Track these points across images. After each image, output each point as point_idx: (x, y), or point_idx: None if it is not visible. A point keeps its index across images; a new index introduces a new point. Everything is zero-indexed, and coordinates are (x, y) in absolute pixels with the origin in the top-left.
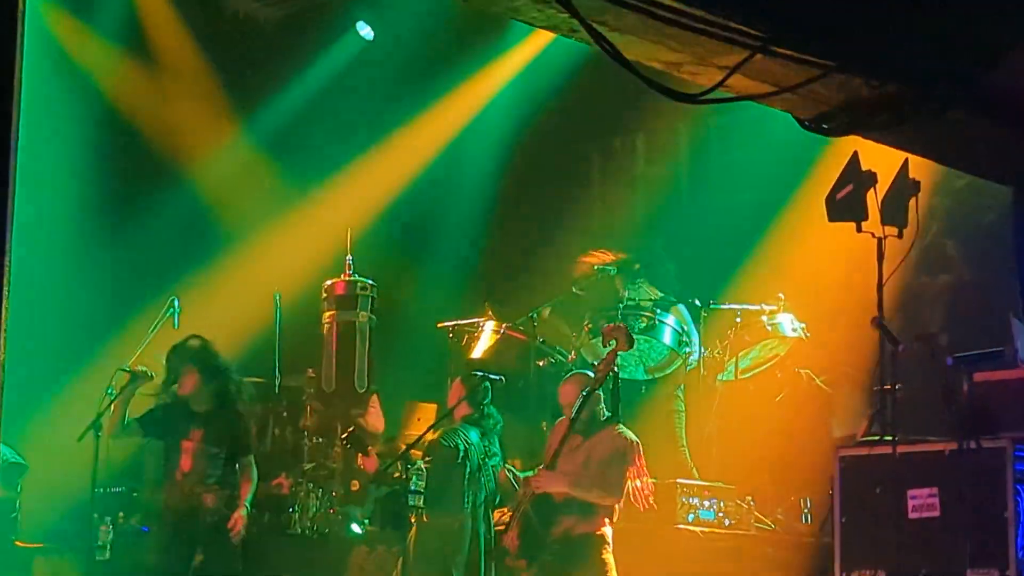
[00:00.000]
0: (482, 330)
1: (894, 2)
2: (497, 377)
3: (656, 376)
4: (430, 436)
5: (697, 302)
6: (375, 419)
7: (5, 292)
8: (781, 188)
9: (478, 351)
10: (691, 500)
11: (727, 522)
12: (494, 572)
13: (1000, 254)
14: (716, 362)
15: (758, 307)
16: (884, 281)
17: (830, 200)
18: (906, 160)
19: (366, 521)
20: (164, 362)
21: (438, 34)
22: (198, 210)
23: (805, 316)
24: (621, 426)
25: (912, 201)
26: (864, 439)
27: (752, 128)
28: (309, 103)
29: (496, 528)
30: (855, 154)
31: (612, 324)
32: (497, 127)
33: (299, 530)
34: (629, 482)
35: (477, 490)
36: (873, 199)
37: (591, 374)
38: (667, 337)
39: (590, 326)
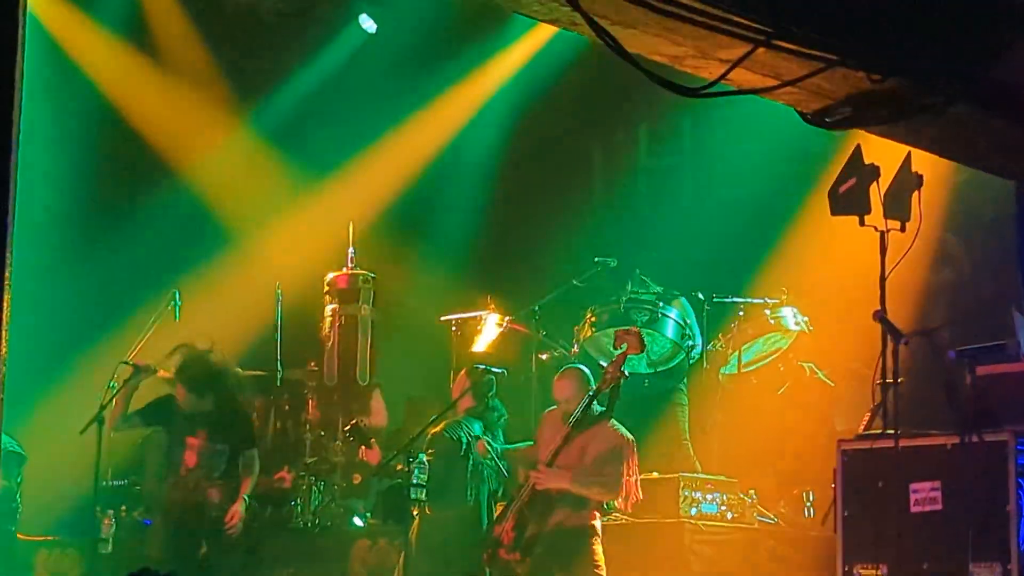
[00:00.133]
0: (484, 323)
1: None
2: (500, 370)
3: (659, 369)
4: (433, 429)
5: (700, 295)
6: (378, 417)
7: (7, 284)
8: (785, 182)
9: (480, 344)
10: (694, 493)
11: (730, 515)
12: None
13: (1002, 248)
14: (719, 355)
15: (761, 300)
16: (887, 275)
17: (833, 194)
18: (908, 153)
19: (368, 514)
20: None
21: (440, 28)
22: (199, 203)
23: (808, 310)
24: (615, 422)
25: (915, 195)
26: (866, 433)
27: (756, 121)
28: (312, 96)
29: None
30: (858, 148)
31: (626, 328)
32: (500, 120)
33: (301, 523)
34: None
35: (480, 483)
36: (876, 193)
37: (584, 368)
38: (670, 330)
39: (593, 319)
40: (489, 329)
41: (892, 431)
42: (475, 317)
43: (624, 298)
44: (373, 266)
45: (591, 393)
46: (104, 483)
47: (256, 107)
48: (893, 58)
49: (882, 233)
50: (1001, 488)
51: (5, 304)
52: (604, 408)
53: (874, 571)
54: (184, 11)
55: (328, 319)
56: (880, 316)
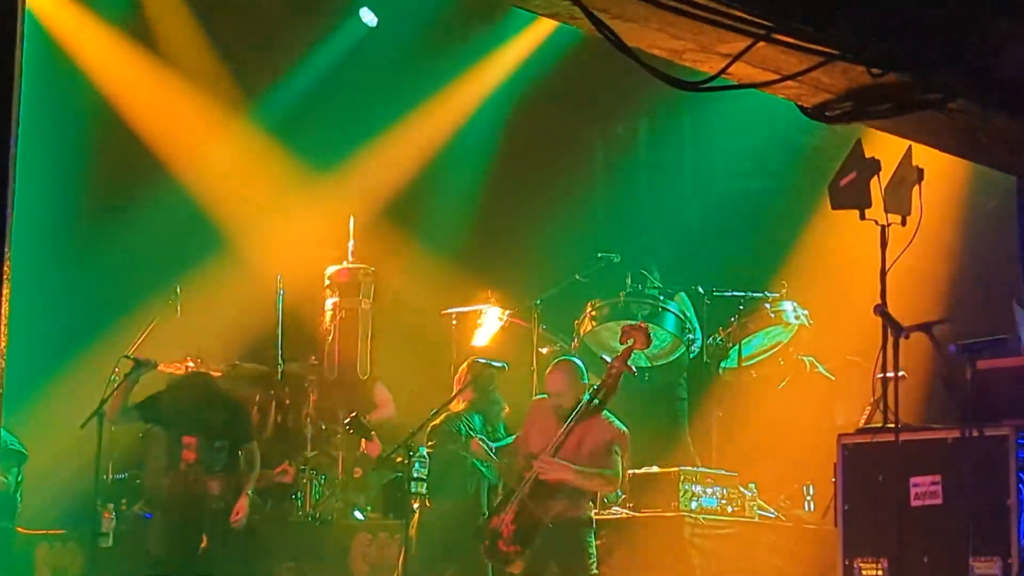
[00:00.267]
0: (485, 317)
1: None
2: (501, 364)
3: (659, 363)
4: (433, 422)
5: (700, 289)
6: (385, 408)
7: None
8: (785, 176)
9: (481, 338)
10: (694, 487)
11: (730, 509)
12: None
13: (1003, 242)
14: (719, 349)
15: (761, 294)
16: (887, 268)
17: (834, 187)
18: (909, 147)
19: (369, 508)
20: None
21: (441, 21)
22: (199, 197)
23: (808, 303)
24: (608, 414)
25: (915, 189)
26: (867, 426)
27: (756, 115)
28: (312, 90)
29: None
30: (858, 142)
31: (633, 323)
32: (501, 113)
33: (302, 517)
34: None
35: (480, 476)
36: (877, 187)
37: (578, 361)
38: (671, 324)
39: (593, 313)
40: (490, 323)
41: (892, 425)
42: (475, 311)
43: (624, 292)
44: (374, 260)
45: (595, 388)
46: (105, 477)
47: (257, 100)
48: (893, 52)
49: (883, 227)
50: (1001, 482)
51: (5, 298)
52: (599, 401)
53: (874, 565)
54: (184, 5)
55: (328, 313)
56: (881, 310)
